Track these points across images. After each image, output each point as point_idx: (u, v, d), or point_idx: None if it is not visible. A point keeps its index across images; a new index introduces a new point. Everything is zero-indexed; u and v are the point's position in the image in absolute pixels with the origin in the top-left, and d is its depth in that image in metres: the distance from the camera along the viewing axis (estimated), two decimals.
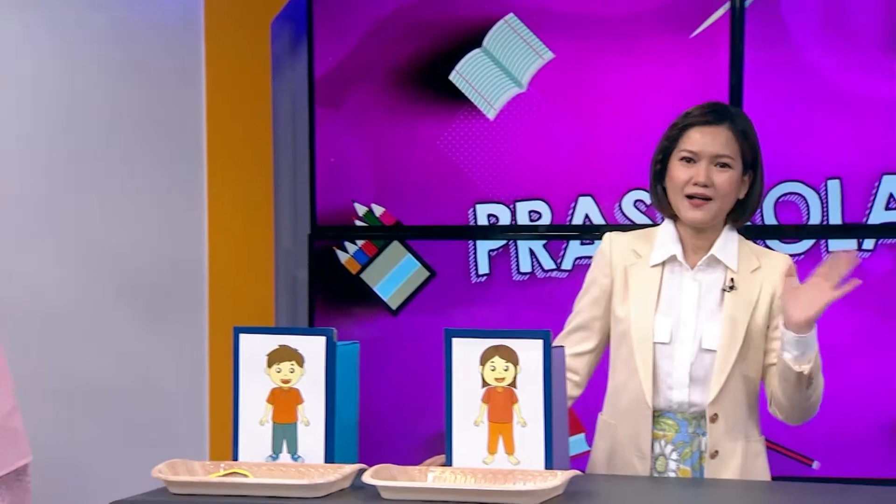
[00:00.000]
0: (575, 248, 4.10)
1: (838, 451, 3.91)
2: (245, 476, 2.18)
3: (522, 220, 4.14)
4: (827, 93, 3.93)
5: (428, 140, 4.18)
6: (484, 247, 4.16)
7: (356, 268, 4.26)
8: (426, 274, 4.22)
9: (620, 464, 2.49)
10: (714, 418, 2.43)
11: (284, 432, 2.27)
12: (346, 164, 4.25)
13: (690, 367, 2.45)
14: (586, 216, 4.10)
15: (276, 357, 2.28)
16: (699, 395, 2.45)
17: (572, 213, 4.11)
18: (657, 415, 2.47)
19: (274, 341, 2.28)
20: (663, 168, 2.51)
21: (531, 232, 4.13)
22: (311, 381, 2.26)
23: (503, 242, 4.15)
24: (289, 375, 2.27)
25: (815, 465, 3.93)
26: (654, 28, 4.02)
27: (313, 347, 2.27)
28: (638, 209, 4.03)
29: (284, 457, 2.26)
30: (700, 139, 2.46)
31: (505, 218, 4.15)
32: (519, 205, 4.14)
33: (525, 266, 4.14)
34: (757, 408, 2.51)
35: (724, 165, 2.46)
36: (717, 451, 2.44)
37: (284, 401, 2.27)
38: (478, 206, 4.16)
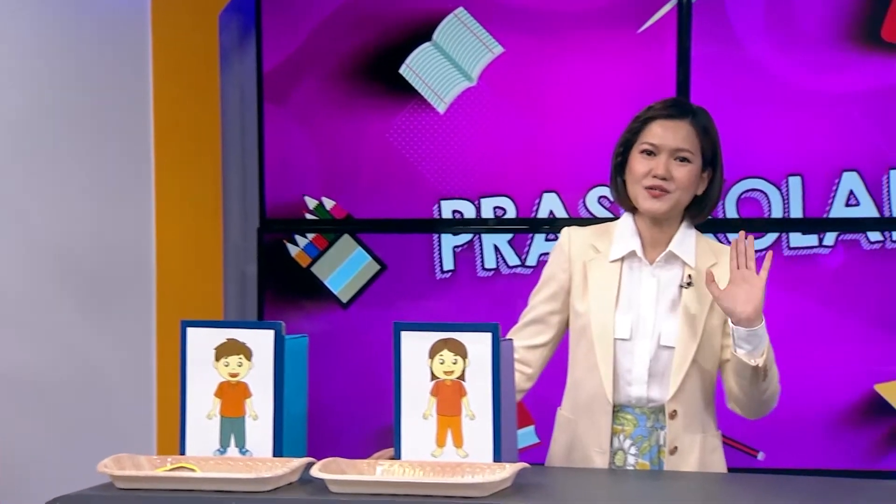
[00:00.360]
0: (540, 244, 4.11)
1: (782, 442, 3.96)
2: (192, 470, 2.17)
3: (488, 216, 4.16)
4: (772, 88, 3.97)
5: (378, 134, 4.18)
6: (448, 242, 4.16)
7: (307, 261, 4.25)
8: (377, 267, 4.22)
9: (580, 458, 2.50)
10: (673, 414, 2.46)
11: (232, 426, 2.26)
12: (296, 158, 4.23)
13: (649, 363, 2.47)
14: (550, 212, 4.11)
15: (223, 351, 2.27)
16: (658, 390, 2.47)
17: (537, 209, 4.13)
18: (616, 410, 2.49)
19: (222, 335, 2.27)
20: (624, 160, 2.54)
21: (480, 226, 4.14)
22: (259, 375, 2.26)
23: (468, 238, 4.16)
24: (237, 369, 2.26)
25: (761, 455, 3.98)
26: (602, 23, 4.05)
27: (261, 341, 2.26)
28: (601, 205, 4.06)
29: (232, 451, 2.25)
30: (661, 132, 2.49)
31: (470, 214, 4.16)
32: (483, 200, 4.15)
33: (490, 262, 4.15)
34: (714, 402, 2.53)
35: (683, 159, 2.48)
36: (675, 447, 2.46)
37: (232, 395, 2.26)
38: (442, 202, 4.16)
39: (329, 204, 4.23)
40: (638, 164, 2.49)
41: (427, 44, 4.15)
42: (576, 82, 4.06)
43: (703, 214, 2.56)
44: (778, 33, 3.97)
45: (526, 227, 4.12)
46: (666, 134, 2.48)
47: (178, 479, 2.12)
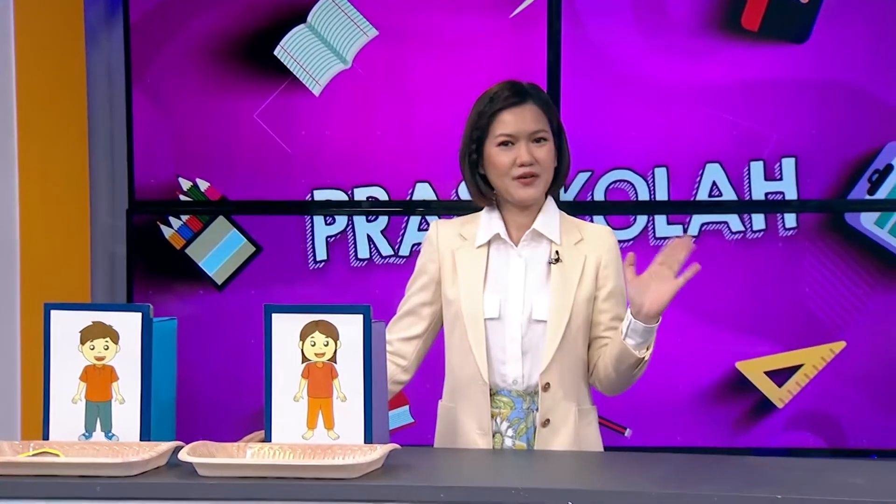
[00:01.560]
0: (413, 235, 4.13)
1: (649, 420, 4.07)
2: (56, 455, 2.13)
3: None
4: (639, 77, 4.05)
5: (253, 115, 4.14)
6: (321, 232, 4.15)
7: (181, 243, 4.19)
8: (252, 249, 4.18)
9: (462, 442, 2.53)
10: (546, 387, 2.49)
11: (98, 410, 2.22)
12: (168, 139, 4.17)
13: (522, 339, 2.50)
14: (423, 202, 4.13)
15: (89, 334, 2.23)
16: (531, 367, 2.51)
17: (410, 198, 4.14)
18: (493, 392, 2.51)
19: (87, 318, 2.24)
20: (479, 157, 2.56)
21: (351, 208, 4.14)
22: (126, 359, 2.23)
23: (342, 227, 4.14)
24: (103, 352, 2.23)
25: (628, 433, 4.08)
26: (475, 7, 4.07)
27: (128, 324, 2.23)
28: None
29: (98, 435, 2.22)
30: (513, 121, 2.52)
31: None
32: (357, 190, 4.14)
33: (363, 252, 4.15)
34: (587, 376, 2.57)
35: (540, 140, 2.52)
36: (548, 420, 2.50)
37: (98, 378, 2.23)
38: (315, 192, 4.15)
39: (203, 185, 4.18)
40: (499, 157, 2.52)
41: (302, 25, 4.12)
42: (448, 67, 4.08)
43: (560, 183, 2.60)
44: (646, 21, 4.04)
45: (399, 209, 4.13)
46: (518, 121, 2.51)
47: (40, 464, 2.08)
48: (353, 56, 4.12)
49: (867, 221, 4.01)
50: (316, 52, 4.12)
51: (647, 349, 2.42)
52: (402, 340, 2.59)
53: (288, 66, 4.12)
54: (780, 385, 4.02)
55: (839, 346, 4.01)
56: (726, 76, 4.02)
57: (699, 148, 4.05)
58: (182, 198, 4.18)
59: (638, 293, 2.38)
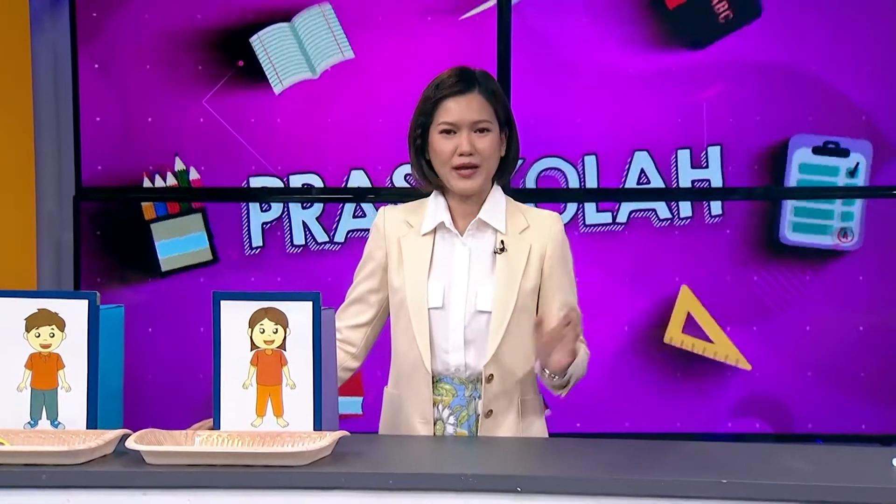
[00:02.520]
0: (348, 222, 4.12)
1: (595, 409, 4.10)
2: (1, 444, 2.10)
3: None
4: (572, 65, 4.08)
5: (200, 103, 4.11)
6: (257, 219, 4.13)
7: (151, 216, 4.15)
8: (209, 257, 4.16)
9: (405, 430, 2.53)
10: (490, 378, 2.50)
11: (44, 398, 2.20)
12: (116, 125, 4.13)
13: (465, 329, 2.51)
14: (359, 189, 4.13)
15: (34, 321, 2.21)
16: (475, 357, 2.51)
17: (346, 185, 4.13)
18: (436, 380, 2.51)
19: (32, 305, 2.22)
20: (424, 142, 2.56)
21: (290, 195, 4.13)
22: (72, 346, 2.21)
23: (277, 216, 4.13)
24: (48, 340, 2.21)
25: (547, 412, 4.10)
26: (425, 5, 4.08)
27: (74, 311, 2.21)
28: (408, 182, 4.09)
29: (44, 423, 2.20)
30: (456, 109, 2.51)
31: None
32: (292, 177, 4.13)
33: (298, 239, 4.14)
34: (532, 367, 2.58)
35: (483, 130, 2.52)
36: (491, 411, 2.50)
37: (44, 366, 2.21)
38: (251, 179, 4.13)
39: (154, 172, 4.14)
40: (441, 145, 2.52)
41: (285, 24, 4.11)
42: (396, 60, 4.08)
43: (508, 174, 2.61)
44: (595, 9, 4.07)
45: (336, 197, 4.12)
46: (461, 109, 2.51)
47: None
48: (323, 70, 4.11)
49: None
50: (289, 53, 4.11)
51: (565, 388, 2.45)
52: (351, 328, 2.59)
53: (259, 57, 4.09)
54: (722, 371, 4.08)
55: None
56: (654, 65, 4.06)
57: (628, 136, 4.09)
58: (131, 185, 4.14)
59: (543, 353, 2.40)
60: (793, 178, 4.08)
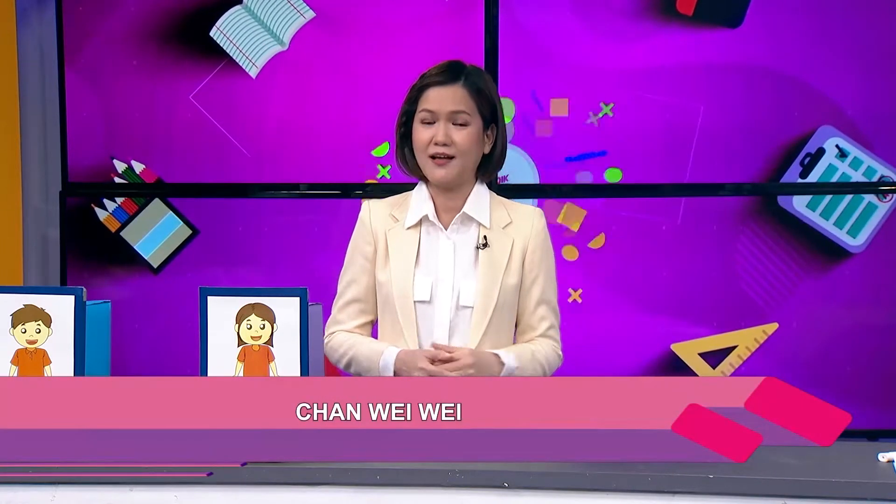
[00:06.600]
0: (335, 217, 4.11)
1: None
2: None
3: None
4: (573, 61, 4.07)
5: (189, 97, 4.10)
6: (259, 215, 4.12)
7: (116, 225, 4.15)
8: (188, 232, 4.15)
9: None
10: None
11: None
12: (103, 120, 4.12)
13: (449, 324, 2.51)
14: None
15: (21, 317, 2.20)
16: None
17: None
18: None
19: (19, 300, 2.21)
20: (408, 131, 2.56)
21: (292, 190, 4.13)
22: (58, 342, 2.20)
23: (279, 211, 4.12)
24: (35, 336, 2.20)
25: None
26: None
27: (61, 307, 2.21)
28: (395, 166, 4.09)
29: None
30: (436, 98, 2.52)
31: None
32: (279, 171, 4.13)
33: (300, 235, 4.13)
34: None
35: (462, 123, 2.53)
36: None
37: (30, 362, 2.20)
38: (252, 174, 4.13)
39: (138, 167, 4.14)
40: (420, 133, 2.54)
41: (238, 7, 4.09)
42: (385, 48, 4.07)
43: (492, 171, 2.61)
44: (581, 4, 4.06)
45: (338, 192, 4.12)
46: (441, 99, 2.52)
47: None
48: (290, 38, 4.09)
49: (799, 204, 4.07)
50: (252, 34, 4.09)
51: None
52: (361, 327, 2.60)
53: (224, 48, 4.08)
54: (714, 367, 4.08)
55: (772, 327, 4.07)
56: (660, 60, 4.05)
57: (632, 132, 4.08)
58: (117, 180, 4.13)
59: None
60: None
